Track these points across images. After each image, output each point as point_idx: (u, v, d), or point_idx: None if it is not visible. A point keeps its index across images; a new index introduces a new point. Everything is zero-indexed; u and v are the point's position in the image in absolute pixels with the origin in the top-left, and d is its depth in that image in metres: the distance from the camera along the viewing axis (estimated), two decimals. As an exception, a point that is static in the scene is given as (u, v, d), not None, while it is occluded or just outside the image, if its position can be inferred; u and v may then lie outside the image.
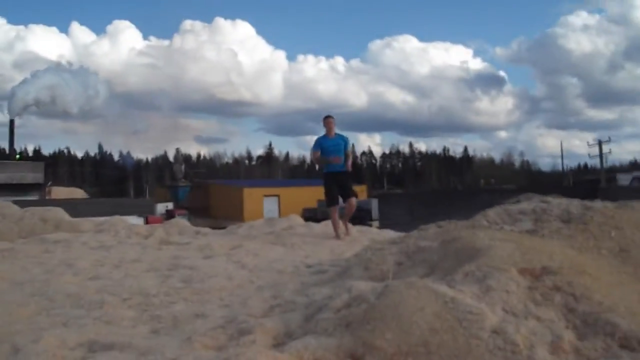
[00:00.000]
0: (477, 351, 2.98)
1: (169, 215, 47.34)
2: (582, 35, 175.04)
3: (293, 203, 57.74)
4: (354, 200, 10.70)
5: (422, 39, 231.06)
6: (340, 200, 10.88)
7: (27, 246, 9.75)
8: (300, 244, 9.30)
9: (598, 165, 64.08)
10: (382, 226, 28.92)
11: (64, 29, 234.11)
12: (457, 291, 3.45)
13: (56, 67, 67.63)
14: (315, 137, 11.24)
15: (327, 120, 10.90)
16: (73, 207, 24.20)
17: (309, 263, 7.35)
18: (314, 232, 10.47)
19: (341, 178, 10.72)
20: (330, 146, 10.66)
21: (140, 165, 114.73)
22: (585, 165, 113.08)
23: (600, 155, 60.63)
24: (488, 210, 6.28)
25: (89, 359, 3.63)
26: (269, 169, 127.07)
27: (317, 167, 11.71)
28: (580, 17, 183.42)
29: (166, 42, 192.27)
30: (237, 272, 6.91)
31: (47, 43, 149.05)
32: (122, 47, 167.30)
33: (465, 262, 4.01)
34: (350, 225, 10.90)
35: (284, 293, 5.37)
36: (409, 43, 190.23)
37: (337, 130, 11.09)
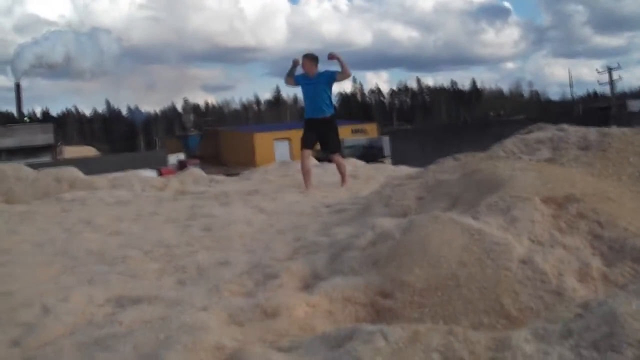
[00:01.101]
0: (507, 282, 2.97)
1: (182, 165, 47.35)
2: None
3: (304, 145, 57.61)
4: (339, 158, 9.36)
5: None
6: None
7: (43, 207, 9.76)
8: (316, 184, 9.28)
9: (607, 92, 63.48)
10: (394, 163, 28.92)
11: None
12: (483, 223, 3.44)
13: (67, 29, 67.80)
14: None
15: (303, 61, 9.38)
16: (86, 165, 24.30)
17: (327, 203, 7.34)
18: (329, 172, 10.42)
19: (322, 127, 9.35)
20: (309, 89, 9.35)
21: (149, 119, 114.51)
22: (595, 93, 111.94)
23: (610, 82, 60.04)
24: (504, 140, 6.23)
25: (119, 314, 3.65)
26: (278, 113, 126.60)
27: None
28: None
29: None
30: (256, 217, 6.91)
31: (46, 4, 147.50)
32: (122, 1, 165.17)
33: (488, 193, 3.98)
34: (344, 172, 9.28)
35: (306, 235, 5.38)
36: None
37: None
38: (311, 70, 9.31)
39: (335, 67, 9.40)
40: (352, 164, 11.16)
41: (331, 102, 9.49)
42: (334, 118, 9.56)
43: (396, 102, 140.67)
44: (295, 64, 9.46)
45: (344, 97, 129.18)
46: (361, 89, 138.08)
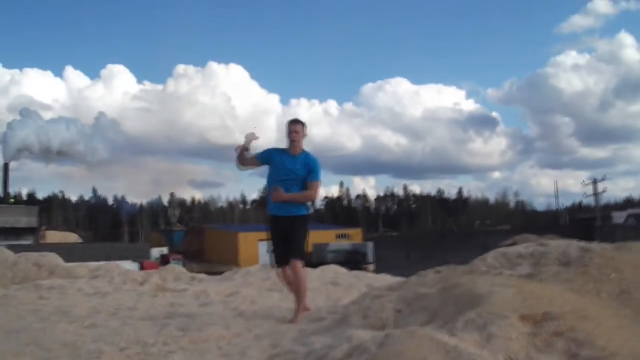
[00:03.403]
0: (482, 402, 2.95)
1: (164, 260, 47.24)
2: (573, 75, 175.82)
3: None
4: (299, 266, 6.71)
5: (414, 81, 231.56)
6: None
7: (21, 293, 9.68)
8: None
9: (593, 203, 64.43)
10: (378, 270, 28.91)
11: (59, 74, 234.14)
12: (459, 340, 3.43)
13: (68, 116, 68.71)
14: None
15: (293, 127, 6.76)
16: (68, 252, 24.22)
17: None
18: (311, 278, 10.39)
19: (287, 225, 6.80)
20: (285, 169, 6.78)
21: (135, 210, 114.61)
22: (580, 204, 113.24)
23: (595, 194, 61.06)
24: (486, 254, 6.27)
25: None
26: (264, 214, 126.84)
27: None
28: (571, 57, 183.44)
29: (160, 87, 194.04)
30: (235, 320, 6.85)
31: (42, 87, 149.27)
32: (117, 91, 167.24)
33: (466, 309, 3.99)
34: (303, 305, 6.87)
35: (283, 342, 5.32)
36: (401, 86, 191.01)
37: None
38: (300, 142, 6.85)
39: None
40: (334, 271, 11.17)
41: None
42: (307, 218, 7.08)
43: (383, 208, 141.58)
44: (249, 140, 7.12)
45: (330, 202, 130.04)
46: (348, 194, 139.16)
